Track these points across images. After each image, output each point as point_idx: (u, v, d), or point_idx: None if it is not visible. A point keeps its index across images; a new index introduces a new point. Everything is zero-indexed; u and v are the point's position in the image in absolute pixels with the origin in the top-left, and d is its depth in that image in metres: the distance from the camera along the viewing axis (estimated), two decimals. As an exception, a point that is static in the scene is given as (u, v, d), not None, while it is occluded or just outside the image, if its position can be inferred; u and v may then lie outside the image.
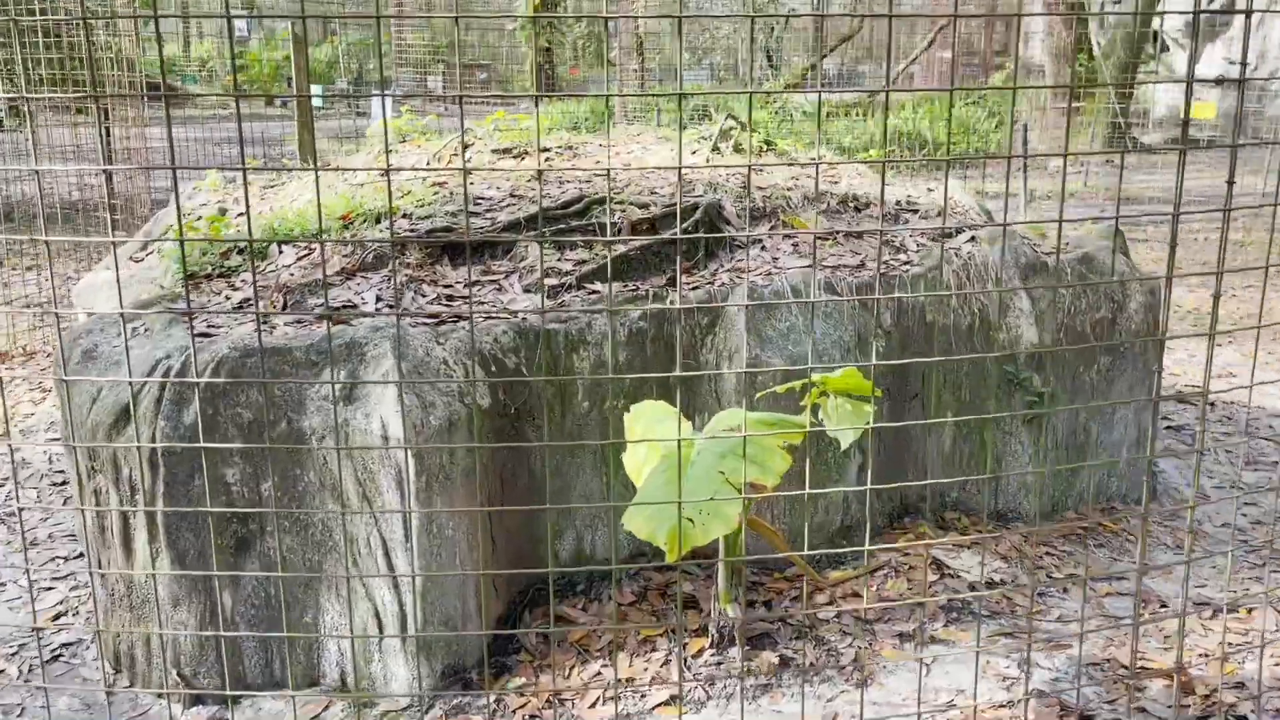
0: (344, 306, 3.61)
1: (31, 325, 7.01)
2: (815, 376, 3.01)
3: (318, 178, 2.04)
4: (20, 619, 3.79)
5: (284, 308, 3.69)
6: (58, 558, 4.18)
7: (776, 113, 17.22)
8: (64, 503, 4.69)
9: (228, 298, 3.83)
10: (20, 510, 2.25)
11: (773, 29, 22.92)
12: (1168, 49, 22.51)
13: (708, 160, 4.82)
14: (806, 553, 2.10)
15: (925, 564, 3.71)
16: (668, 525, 2.46)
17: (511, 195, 4.39)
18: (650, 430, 2.80)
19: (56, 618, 3.79)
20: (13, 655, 3.57)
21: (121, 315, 2.31)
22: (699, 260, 3.96)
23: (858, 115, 17.53)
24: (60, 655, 3.57)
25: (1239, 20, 20.91)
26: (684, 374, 2.06)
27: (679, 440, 2.03)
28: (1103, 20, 19.93)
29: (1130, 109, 17.33)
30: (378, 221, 4.28)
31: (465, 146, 5.41)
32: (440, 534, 3.28)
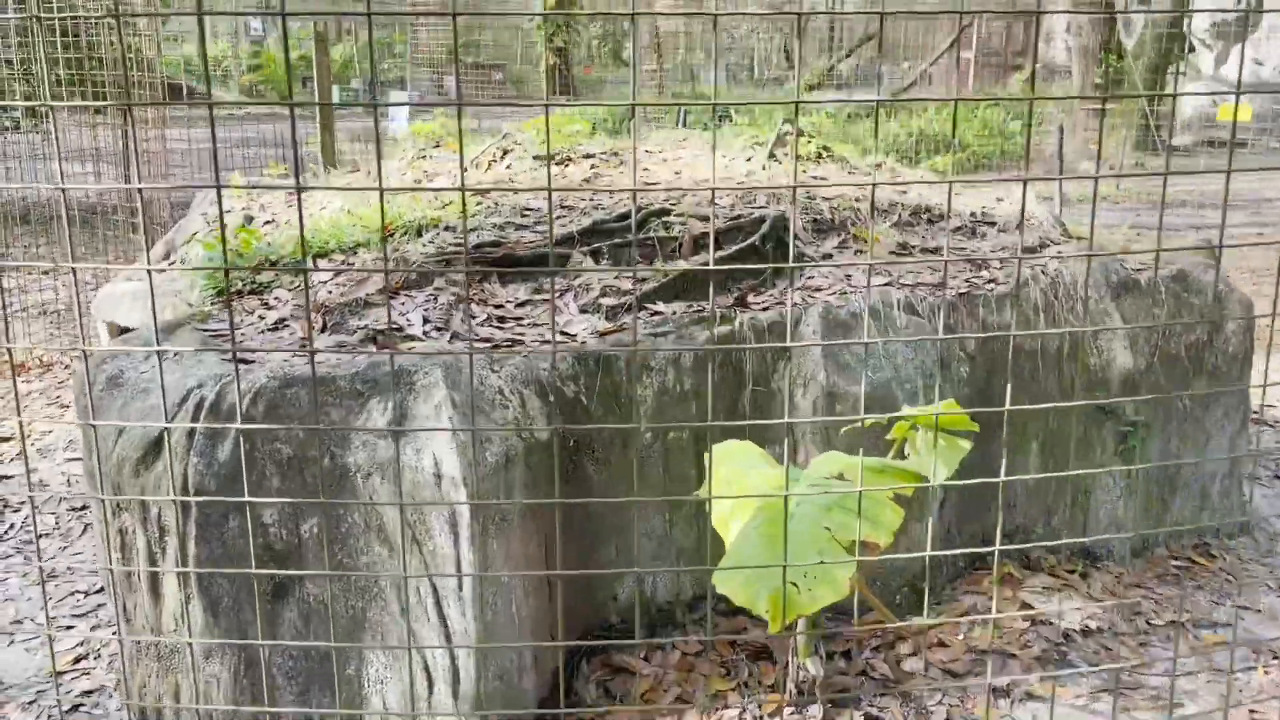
0: (389, 329, 3.32)
1: (49, 334, 6.75)
2: (908, 410, 2.71)
3: (301, 200, 1.75)
4: (38, 662, 3.51)
5: (324, 329, 3.40)
6: (77, 592, 3.91)
7: (797, 113, 16.87)
8: (84, 531, 4.41)
9: (261, 317, 3.54)
10: (37, 539, 1.97)
11: (791, 28, 22.56)
12: (1194, 50, 22.12)
13: (764, 168, 4.51)
14: (923, 620, 1.80)
15: (1005, 606, 3.41)
16: (769, 591, 2.16)
17: (562, 205, 4.10)
18: (740, 478, 2.50)
19: (77, 661, 3.51)
20: (29, 704, 3.29)
21: (159, 354, 2.02)
22: (766, 278, 3.66)
23: (884, 116, 17.18)
24: (81, 705, 3.29)
25: (1267, 21, 20.52)
26: (786, 422, 1.76)
27: (764, 495, 1.74)
28: (1127, 20, 19.58)
29: (1159, 110, 16.95)
30: (419, 234, 3.98)
31: (504, 153, 5.11)
32: (496, 580, 2.99)
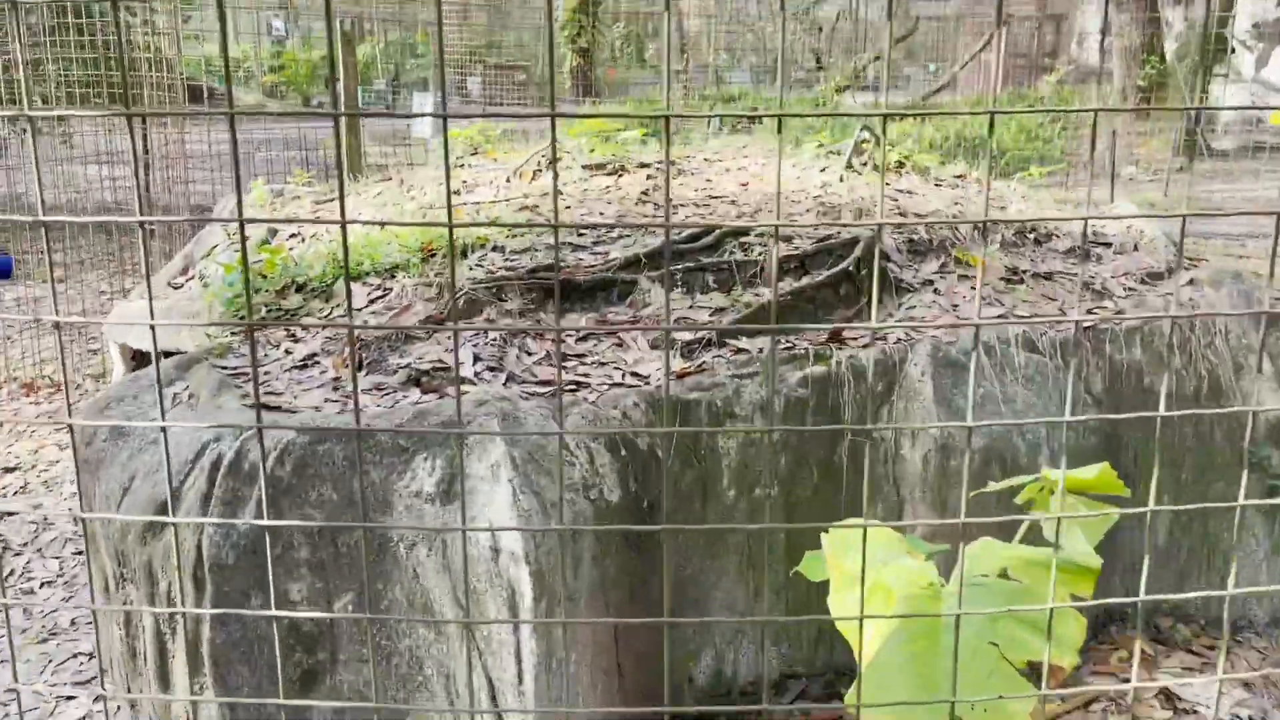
0: (434, 369, 2.87)
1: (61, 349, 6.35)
2: (1047, 473, 2.24)
3: (347, 221, 1.29)
4: (33, 741, 3.08)
5: (360, 368, 2.95)
6: (80, 654, 3.47)
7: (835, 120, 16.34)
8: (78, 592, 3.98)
9: (288, 352, 3.09)
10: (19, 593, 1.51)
11: (821, 29, 22.06)
12: (1234, 51, 21.50)
13: (842, 179, 4.04)
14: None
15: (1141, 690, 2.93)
16: (929, 727, 1.69)
17: (623, 221, 3.63)
18: (871, 571, 2.03)
19: (78, 741, 3.07)
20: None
21: (164, 430, 1.57)
22: (862, 308, 3.19)
23: (915, 120, 16.65)
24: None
25: (1311, 21, 19.88)
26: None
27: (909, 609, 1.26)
28: (1168, 21, 18.97)
29: (1202, 114, 16.37)
30: (464, 255, 3.53)
31: (553, 162, 4.65)
32: (560, 668, 2.53)
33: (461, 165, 4.96)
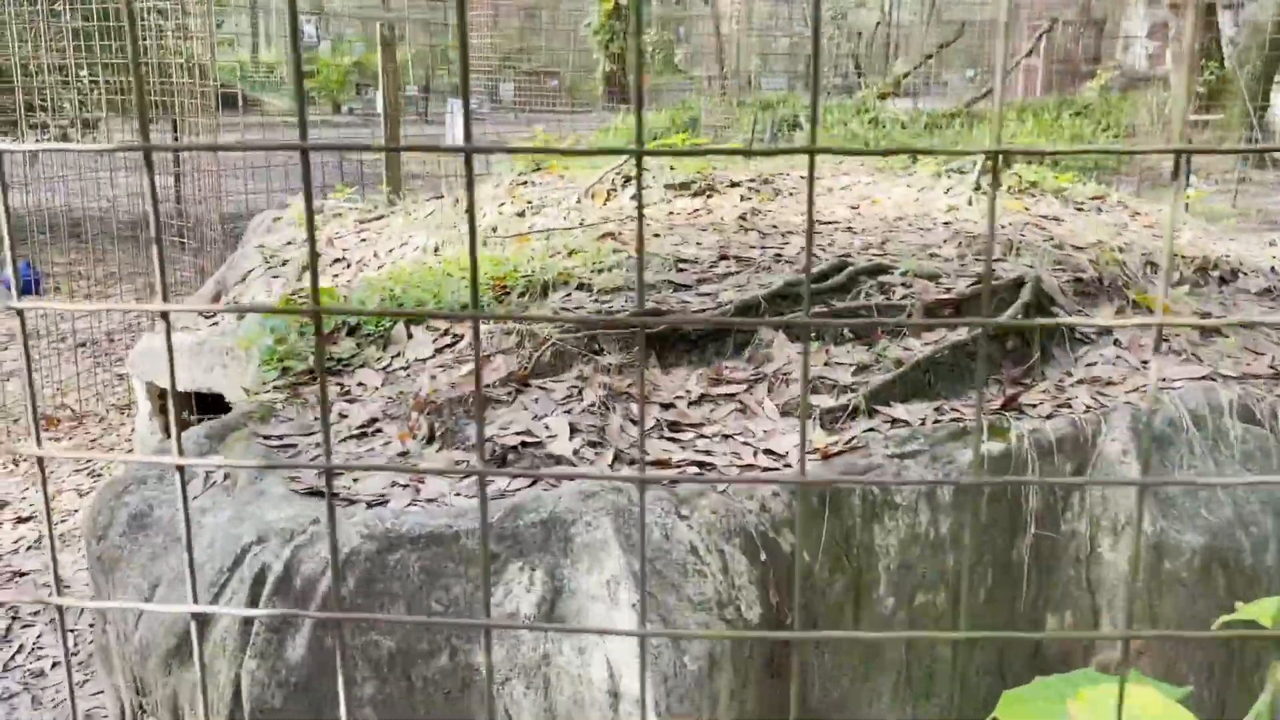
0: (524, 444, 2.32)
1: (87, 373, 5.84)
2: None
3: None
4: None
5: (429, 440, 2.41)
6: (97, 758, 2.95)
7: (872, 122, 15.75)
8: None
9: (343, 415, 2.55)
10: None
11: (860, 34, 21.46)
12: (1291, 56, 20.73)
13: (971, 203, 3.46)
14: None
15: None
16: None
17: (724, 256, 3.08)
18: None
19: None
20: None
21: (189, 544, 1.01)
22: (1033, 364, 2.61)
23: (961, 125, 16.02)
24: None
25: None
26: None
27: None
28: (1215, 23, 18.24)
29: (1266, 121, 15.64)
30: (545, 293, 2.98)
31: (627, 180, 4.10)
32: (691, 836, 1.98)
33: (525, 183, 4.42)
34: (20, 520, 4.25)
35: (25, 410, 5.35)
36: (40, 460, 0.81)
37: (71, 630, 3.58)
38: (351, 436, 2.46)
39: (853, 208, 3.56)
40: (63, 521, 4.26)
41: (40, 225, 7.14)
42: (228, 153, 8.41)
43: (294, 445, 2.42)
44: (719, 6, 21.25)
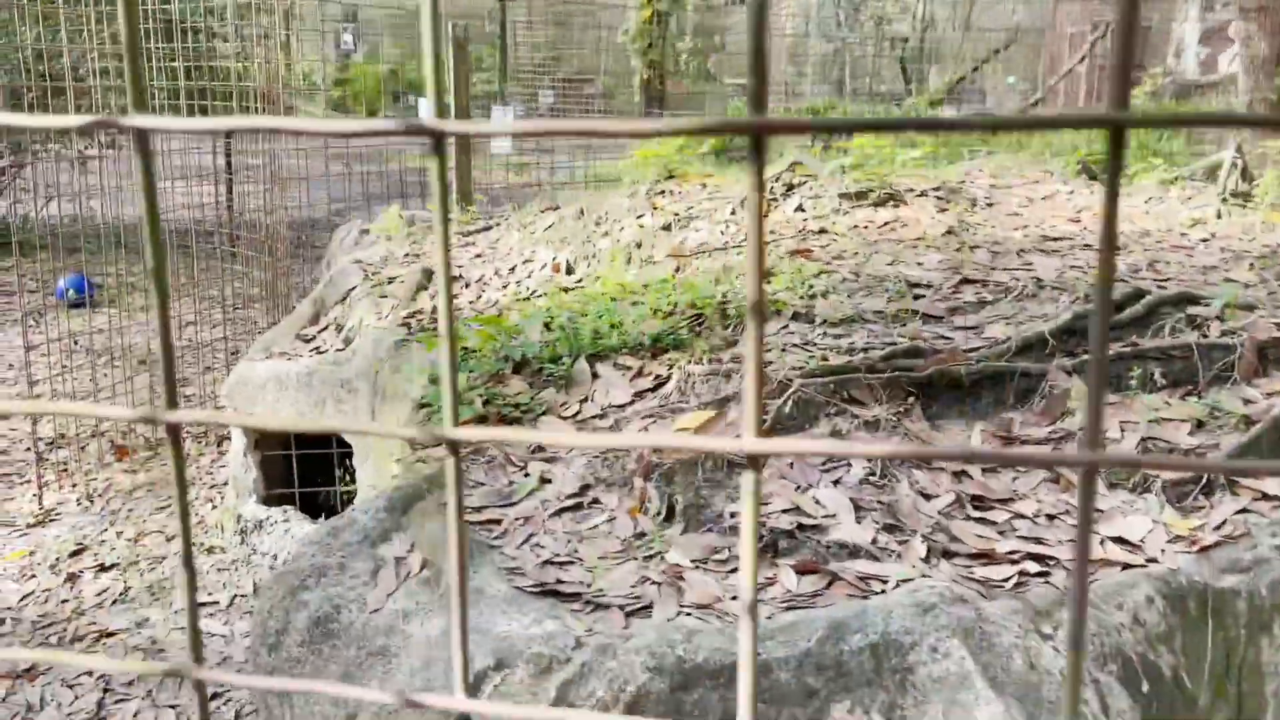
0: (798, 526, 1.81)
1: (151, 391, 5.37)
2: None
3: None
4: None
5: (669, 515, 1.90)
6: None
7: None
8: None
9: (545, 480, 2.05)
10: None
11: (906, 40, 20.95)
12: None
13: (1220, 216, 2.94)
14: None
15: None
16: None
17: (965, 280, 2.56)
18: None
19: None
20: None
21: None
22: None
23: (1020, 134, 15.44)
24: None
25: None
26: None
27: None
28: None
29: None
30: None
31: (789, 188, 3.59)
32: None
33: (663, 193, 3.92)
34: (103, 569, 3.78)
35: (94, 438, 4.90)
36: (174, 430, 0.44)
37: (172, 706, 3.09)
38: (564, 509, 1.96)
39: (1073, 220, 3.05)
40: (150, 571, 3.78)
41: (88, 235, 6.71)
42: (288, 161, 7.94)
43: (496, 522, 1.92)
44: (771, 15, 20.75)
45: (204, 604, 3.58)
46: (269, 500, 3.97)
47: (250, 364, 3.78)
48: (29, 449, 4.95)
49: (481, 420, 2.34)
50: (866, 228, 3.14)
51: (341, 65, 26.64)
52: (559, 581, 1.72)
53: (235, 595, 3.61)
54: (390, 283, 4.03)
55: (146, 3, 6.28)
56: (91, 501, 4.33)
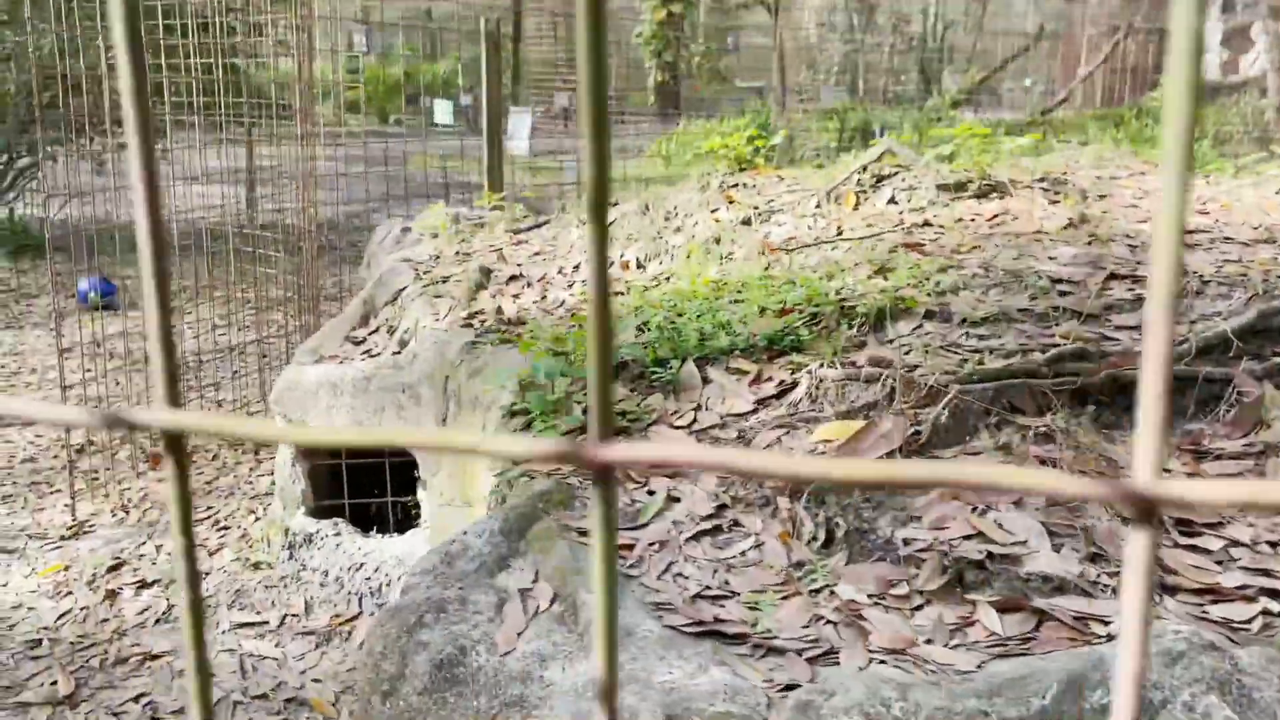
0: (988, 555, 1.56)
1: (185, 395, 5.11)
2: None
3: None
4: None
5: (828, 541, 1.66)
6: None
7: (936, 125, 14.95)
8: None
9: (673, 497, 1.81)
10: None
11: (927, 41, 20.72)
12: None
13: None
14: None
15: None
16: None
17: (1113, 275, 2.32)
18: None
19: None
20: None
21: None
22: None
23: (1042, 134, 15.19)
24: None
25: None
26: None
27: None
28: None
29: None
30: (882, 324, 2.24)
31: (878, 179, 3.36)
32: None
33: (736, 185, 3.68)
34: (143, 585, 3.55)
35: (123, 444, 4.67)
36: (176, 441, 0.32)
37: (226, 737, 2.86)
38: (701, 533, 1.72)
39: (1201, 212, 2.81)
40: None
41: (105, 237, 6.48)
42: (310, 162, 7.72)
43: (627, 547, 1.68)
44: (786, 17, 20.55)
45: (252, 624, 3.34)
46: (317, 512, 3.74)
47: (299, 368, 3.55)
48: (55, 456, 4.73)
49: (583, 431, 2.11)
50: (974, 220, 2.90)
51: (353, 68, 26.49)
52: (716, 620, 1.48)
53: (285, 614, 3.37)
54: (444, 282, 3.79)
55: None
56: (126, 512, 4.10)
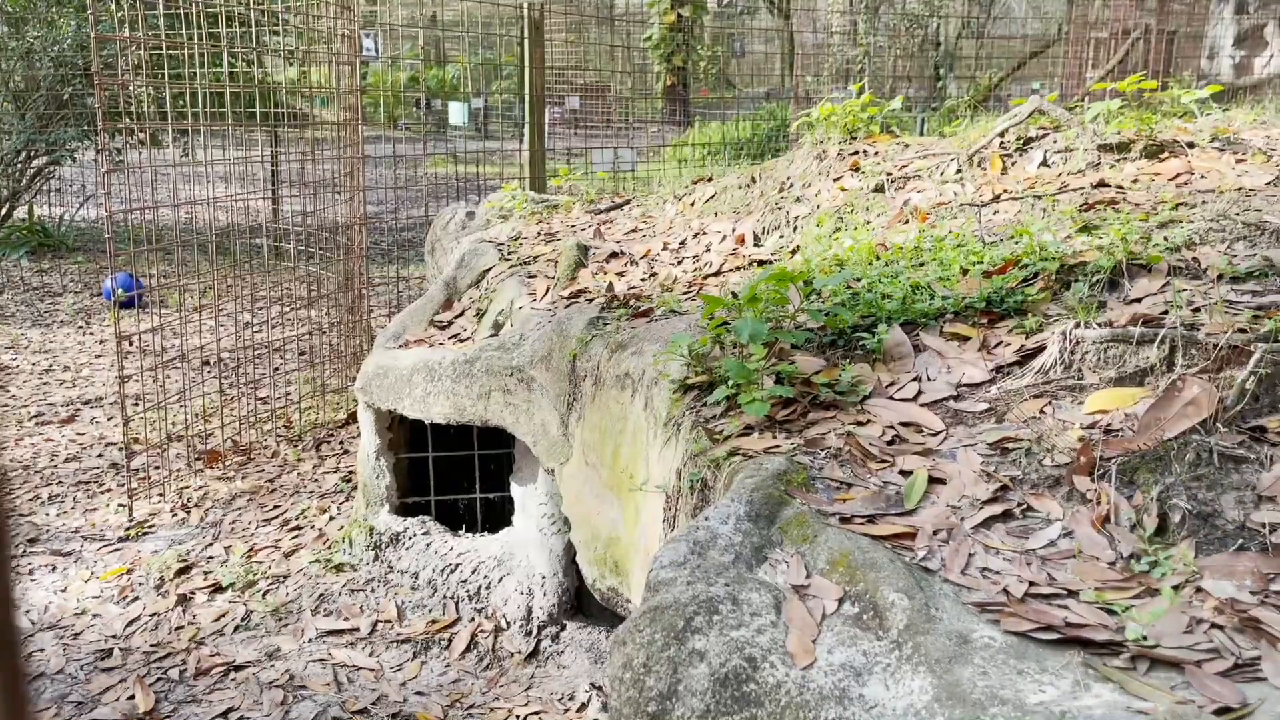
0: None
1: (224, 393, 4.76)
2: None
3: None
4: None
5: (1160, 529, 1.35)
6: None
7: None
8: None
9: (900, 470, 1.49)
10: None
11: (938, 44, 20.49)
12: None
13: None
14: None
15: None
16: None
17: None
18: None
19: None
20: None
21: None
22: None
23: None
24: None
25: None
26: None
27: None
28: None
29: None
30: (1113, 281, 1.93)
31: (1024, 142, 3.05)
32: None
33: (857, 153, 3.37)
34: (217, 589, 3.21)
35: (170, 441, 4.33)
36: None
37: (330, 758, 2.52)
38: (990, 519, 1.40)
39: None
40: (271, 589, 3.21)
41: (127, 236, 6.16)
42: (357, 161, 7.42)
43: (908, 536, 1.37)
44: (794, 20, 20.31)
45: (341, 631, 3.01)
46: (403, 510, 3.41)
47: (390, 353, 3.22)
48: (100, 455, 4.40)
49: (790, 403, 1.79)
50: (1154, 179, 2.59)
51: (362, 72, 26.14)
52: (1068, 624, 1.16)
53: (376, 621, 3.05)
54: (534, 261, 3.48)
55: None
56: (187, 512, 3.77)
